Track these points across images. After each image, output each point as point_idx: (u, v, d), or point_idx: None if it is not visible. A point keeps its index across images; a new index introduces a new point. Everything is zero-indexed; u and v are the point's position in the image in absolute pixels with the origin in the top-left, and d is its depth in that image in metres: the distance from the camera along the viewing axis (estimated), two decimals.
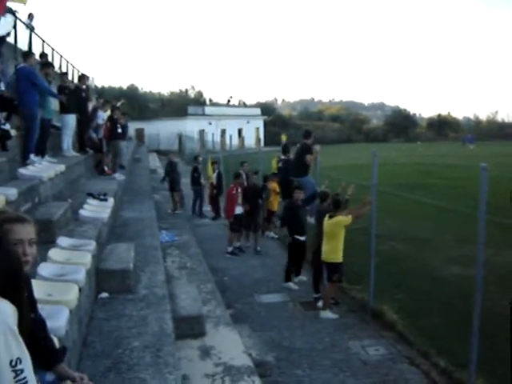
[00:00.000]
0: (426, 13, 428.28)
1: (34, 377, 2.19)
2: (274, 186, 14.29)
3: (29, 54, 10.74)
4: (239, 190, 13.20)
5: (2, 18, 11.10)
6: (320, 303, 9.20)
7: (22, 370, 2.08)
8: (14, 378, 2.05)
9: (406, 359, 7.26)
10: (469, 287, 7.10)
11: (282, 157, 18.64)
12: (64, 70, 22.92)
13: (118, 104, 18.53)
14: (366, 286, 9.17)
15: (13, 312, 2.15)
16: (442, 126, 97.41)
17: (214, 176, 17.58)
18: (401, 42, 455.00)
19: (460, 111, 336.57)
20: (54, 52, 21.81)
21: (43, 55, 14.84)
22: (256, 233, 13.49)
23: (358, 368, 7.02)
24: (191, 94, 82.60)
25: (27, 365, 2.12)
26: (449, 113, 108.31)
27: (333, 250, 8.85)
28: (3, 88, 9.51)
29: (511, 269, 10.84)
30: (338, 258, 8.85)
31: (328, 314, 8.86)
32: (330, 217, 8.92)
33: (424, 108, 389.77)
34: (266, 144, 63.15)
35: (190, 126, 57.90)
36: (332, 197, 9.65)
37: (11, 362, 2.05)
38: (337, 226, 8.78)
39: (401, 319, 8.22)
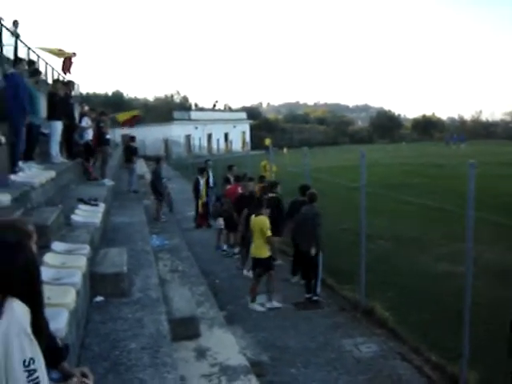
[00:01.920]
0: (409, 13, 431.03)
1: (46, 377, 2.26)
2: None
3: (19, 60, 10.74)
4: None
5: None
6: (250, 303, 9.49)
7: (34, 370, 2.15)
8: (27, 377, 2.12)
9: (398, 355, 7.35)
10: (457, 283, 7.23)
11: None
12: (50, 77, 22.87)
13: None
14: (357, 284, 9.27)
15: (26, 313, 2.22)
16: (427, 127, 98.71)
17: (202, 183, 16.41)
18: (384, 43, 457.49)
19: (444, 111, 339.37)
20: (40, 59, 21.71)
21: (31, 63, 14.81)
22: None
23: (352, 365, 7.10)
24: (176, 99, 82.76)
25: (40, 365, 2.19)
26: (433, 113, 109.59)
27: (261, 246, 9.30)
28: None
29: (499, 264, 11.01)
30: (266, 253, 9.31)
31: (255, 306, 9.32)
32: (256, 215, 9.42)
33: (408, 109, 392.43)
34: (252, 148, 63.39)
35: (176, 131, 58.01)
36: (257, 196, 10.39)
37: (24, 362, 2.12)
38: (264, 225, 9.24)
39: (392, 316, 8.32)
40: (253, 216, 9.57)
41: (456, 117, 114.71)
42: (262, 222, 9.30)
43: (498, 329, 7.81)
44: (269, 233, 9.23)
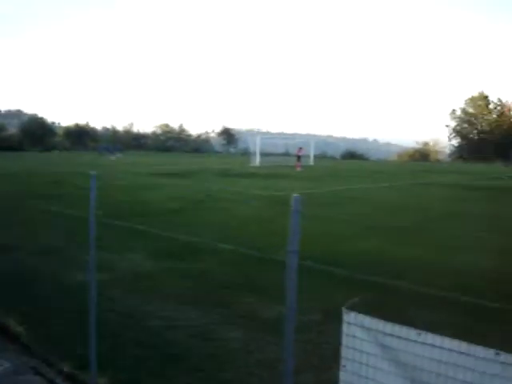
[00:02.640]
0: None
1: None
2: None
3: None
4: None
5: None
6: None
7: None
8: None
9: (31, 370, 7.22)
10: (96, 292, 7.47)
11: None
12: None
13: None
14: None
15: None
16: (81, 135, 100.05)
17: None
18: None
19: (98, 121, 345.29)
20: None
21: None
22: None
23: None
24: None
25: None
26: (87, 122, 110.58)
27: None
28: None
29: (136, 272, 11.67)
30: None
31: None
32: None
33: (64, 117, 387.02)
34: None
35: None
36: None
37: None
38: None
39: (26, 330, 8.15)
40: None
41: (109, 127, 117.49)
42: None
43: (128, 334, 8.35)
44: None
